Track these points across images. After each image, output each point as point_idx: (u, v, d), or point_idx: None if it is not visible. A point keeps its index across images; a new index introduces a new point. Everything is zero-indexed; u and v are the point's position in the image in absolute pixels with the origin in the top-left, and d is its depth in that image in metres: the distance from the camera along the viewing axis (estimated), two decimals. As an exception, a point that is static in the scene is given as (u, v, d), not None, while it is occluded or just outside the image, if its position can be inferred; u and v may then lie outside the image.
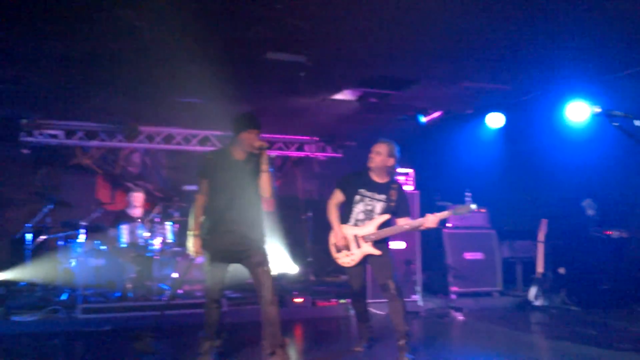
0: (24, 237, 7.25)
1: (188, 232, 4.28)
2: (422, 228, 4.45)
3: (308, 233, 8.64)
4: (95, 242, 6.96)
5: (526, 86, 6.81)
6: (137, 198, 7.53)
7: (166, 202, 8.15)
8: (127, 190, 8.20)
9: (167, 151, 9.19)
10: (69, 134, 8.40)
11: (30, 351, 5.13)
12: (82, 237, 6.88)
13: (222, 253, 4.23)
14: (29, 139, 8.16)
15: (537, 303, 7.06)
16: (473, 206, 4.39)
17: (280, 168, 9.88)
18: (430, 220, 4.37)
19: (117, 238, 6.92)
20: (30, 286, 7.16)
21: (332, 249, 4.71)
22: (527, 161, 8.01)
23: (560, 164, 7.43)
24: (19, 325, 5.76)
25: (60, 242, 7.08)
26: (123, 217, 7.23)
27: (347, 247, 4.60)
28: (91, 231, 7.07)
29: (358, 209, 4.61)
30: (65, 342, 5.40)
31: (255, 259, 4.18)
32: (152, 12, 4.58)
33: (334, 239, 4.69)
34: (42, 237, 7.45)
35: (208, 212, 4.27)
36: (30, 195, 8.37)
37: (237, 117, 4.32)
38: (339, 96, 7.10)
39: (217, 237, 4.20)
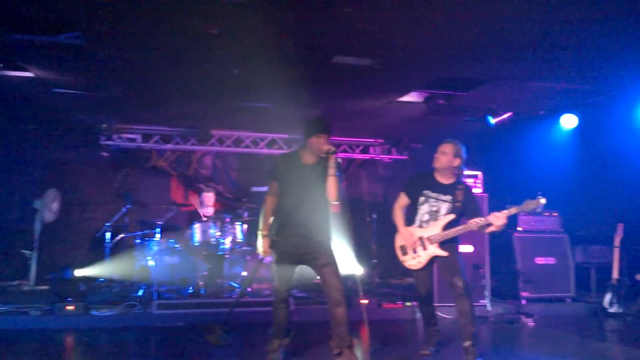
0: (103, 235, 7.61)
1: (258, 232, 4.38)
2: (492, 229, 4.31)
3: (373, 235, 8.66)
4: (170, 240, 7.22)
5: (602, 86, 6.54)
6: (209, 198, 7.81)
7: (235, 202, 8.38)
8: (200, 191, 8.52)
9: (236, 154, 9.47)
10: (146, 137, 8.82)
11: (108, 345, 5.41)
12: (157, 236, 7.20)
13: (289, 255, 4.31)
14: (109, 142, 8.62)
15: (612, 310, 6.77)
16: (543, 200, 4.23)
17: (345, 170, 9.94)
18: (496, 216, 4.24)
19: (190, 237, 7.20)
20: (109, 282, 7.45)
21: (399, 252, 4.71)
22: (603, 163, 7.70)
23: (637, 166, 7.09)
24: (98, 320, 6.06)
25: (138, 241, 7.40)
26: (196, 217, 7.52)
27: (414, 249, 4.59)
28: (166, 230, 7.37)
29: (423, 210, 4.58)
30: (140, 336, 5.67)
31: (322, 260, 4.22)
32: (224, 20, 4.74)
33: (399, 241, 4.70)
34: (121, 236, 7.81)
35: (276, 213, 4.35)
36: (109, 196, 8.87)
37: (307, 121, 4.36)
38: (405, 98, 7.07)
39: (284, 239, 4.28)
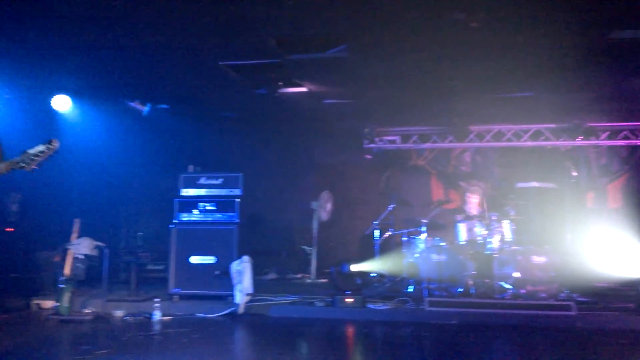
0: (372, 233, 8.10)
1: None
2: None
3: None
4: (435, 238, 7.29)
5: None
6: (472, 196, 7.66)
7: (501, 200, 8.06)
8: (461, 189, 8.44)
9: (497, 149, 9.13)
10: (404, 138, 9.10)
11: (384, 337, 5.67)
12: (423, 234, 7.32)
13: None
14: (371, 145, 9.12)
15: None
16: None
17: (627, 160, 8.79)
18: None
19: (455, 235, 7.16)
20: (380, 277, 7.88)
21: None
22: None
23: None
24: (374, 313, 6.39)
25: (404, 238, 7.64)
26: (459, 215, 7.44)
27: None
28: (430, 228, 7.46)
29: None
30: (416, 331, 5.80)
31: None
32: (485, 12, 4.60)
33: None
34: (388, 233, 8.21)
35: None
36: (375, 196, 9.35)
37: None
38: None
39: None
